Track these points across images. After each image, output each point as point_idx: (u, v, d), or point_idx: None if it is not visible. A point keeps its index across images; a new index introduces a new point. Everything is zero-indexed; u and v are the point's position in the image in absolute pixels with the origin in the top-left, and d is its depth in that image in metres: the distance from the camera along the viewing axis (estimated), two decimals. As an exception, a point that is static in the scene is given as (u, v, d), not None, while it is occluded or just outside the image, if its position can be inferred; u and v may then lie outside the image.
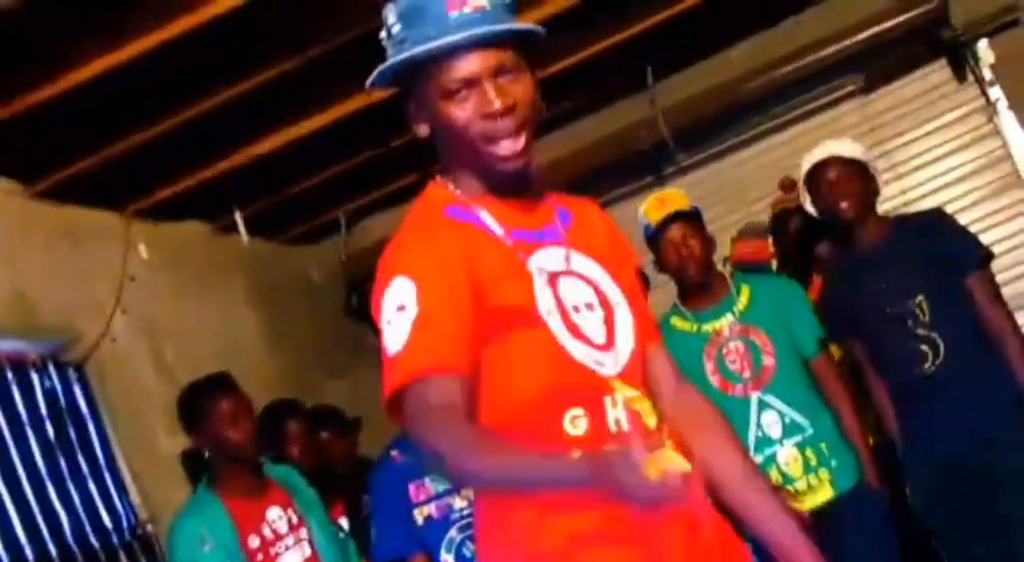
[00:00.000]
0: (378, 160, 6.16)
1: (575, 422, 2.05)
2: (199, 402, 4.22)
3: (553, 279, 2.11)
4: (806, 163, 4.21)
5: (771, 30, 6.78)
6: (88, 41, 4.16)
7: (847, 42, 6.54)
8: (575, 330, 2.08)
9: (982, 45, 6.55)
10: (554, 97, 5.65)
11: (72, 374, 4.82)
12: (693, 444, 2.19)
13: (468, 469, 1.90)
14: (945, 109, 6.84)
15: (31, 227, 4.88)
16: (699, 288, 4.29)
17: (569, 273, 2.15)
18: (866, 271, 4.08)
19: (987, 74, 6.64)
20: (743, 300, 4.29)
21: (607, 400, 2.08)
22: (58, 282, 4.89)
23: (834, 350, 4.45)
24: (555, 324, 2.06)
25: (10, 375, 4.55)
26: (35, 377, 4.66)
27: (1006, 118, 6.70)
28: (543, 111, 2.15)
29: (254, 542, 4.14)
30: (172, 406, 4.97)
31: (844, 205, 4.09)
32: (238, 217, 6.10)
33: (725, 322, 4.26)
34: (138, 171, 5.22)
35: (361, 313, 7.29)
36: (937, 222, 4.23)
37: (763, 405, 4.18)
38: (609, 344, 2.13)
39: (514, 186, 2.14)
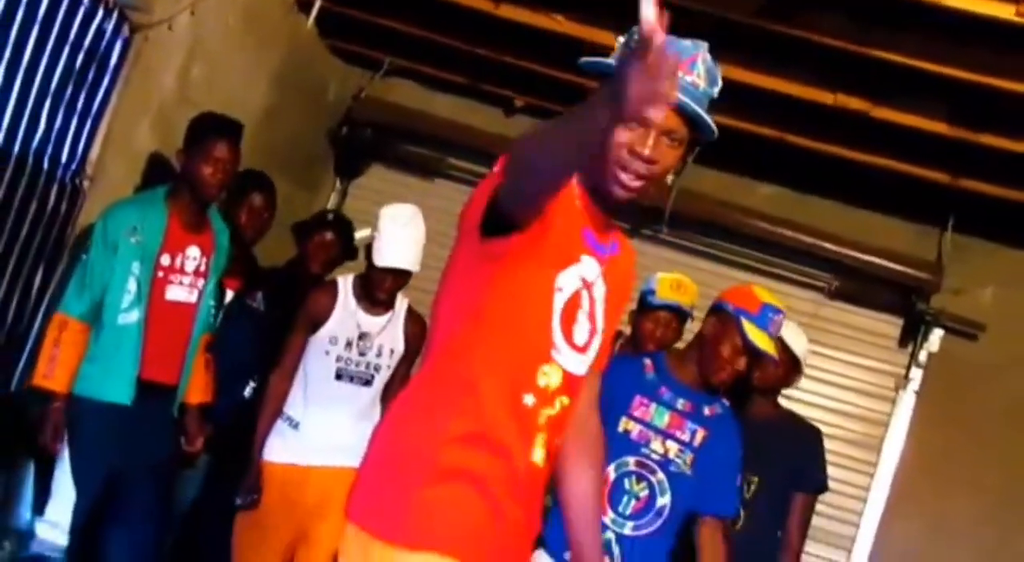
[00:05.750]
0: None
1: (541, 377, 2.53)
2: (202, 132, 4.51)
3: (582, 281, 2.61)
4: None
5: (806, 195, 7.16)
6: None
7: (843, 249, 6.94)
8: (568, 317, 2.55)
9: (937, 334, 6.97)
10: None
11: (124, 28, 4.89)
12: (566, 460, 2.74)
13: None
14: (871, 354, 7.21)
15: None
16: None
17: (588, 287, 2.62)
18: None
19: (922, 356, 7.05)
20: None
21: (540, 376, 2.53)
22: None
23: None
24: (559, 299, 2.52)
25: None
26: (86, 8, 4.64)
27: (905, 401, 7.08)
28: (667, 179, 2.64)
29: (165, 261, 4.43)
30: (167, 112, 5.24)
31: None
32: (315, 7, 6.24)
33: None
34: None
35: (339, 142, 7.60)
36: (812, 440, 4.67)
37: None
38: (580, 350, 2.60)
39: (609, 206, 2.62)
